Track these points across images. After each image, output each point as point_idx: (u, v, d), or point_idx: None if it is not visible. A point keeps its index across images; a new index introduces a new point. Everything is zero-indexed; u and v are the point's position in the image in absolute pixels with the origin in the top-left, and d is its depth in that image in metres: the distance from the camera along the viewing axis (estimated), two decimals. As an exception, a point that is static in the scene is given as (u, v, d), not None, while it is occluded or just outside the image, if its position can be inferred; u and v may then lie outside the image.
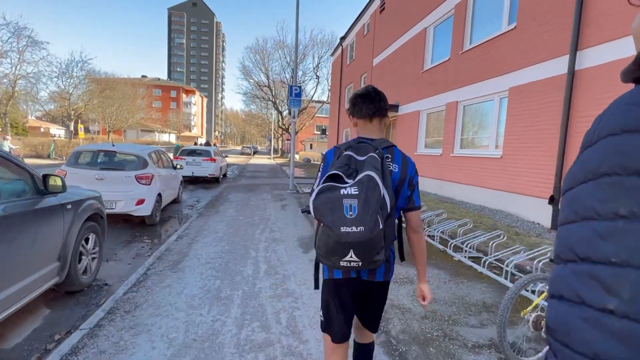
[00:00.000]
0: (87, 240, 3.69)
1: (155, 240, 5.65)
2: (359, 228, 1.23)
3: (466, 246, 4.60)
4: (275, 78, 33.31)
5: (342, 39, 23.97)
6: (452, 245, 4.82)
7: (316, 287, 1.65)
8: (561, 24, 6.24)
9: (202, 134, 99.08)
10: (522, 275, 3.91)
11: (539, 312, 2.36)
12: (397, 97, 13.76)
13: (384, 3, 15.95)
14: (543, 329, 2.31)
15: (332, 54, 28.53)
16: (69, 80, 30.40)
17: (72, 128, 30.23)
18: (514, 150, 7.38)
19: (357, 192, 1.26)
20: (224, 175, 16.00)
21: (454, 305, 3.18)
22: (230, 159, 27.07)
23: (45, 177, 3.01)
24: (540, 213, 6.62)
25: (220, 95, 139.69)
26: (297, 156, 34.47)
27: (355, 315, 1.69)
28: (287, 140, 51.35)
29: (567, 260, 0.56)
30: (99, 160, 6.58)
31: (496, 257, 4.21)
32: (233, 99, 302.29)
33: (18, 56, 25.31)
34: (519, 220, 6.93)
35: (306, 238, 5.54)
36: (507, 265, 3.76)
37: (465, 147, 9.56)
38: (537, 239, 5.72)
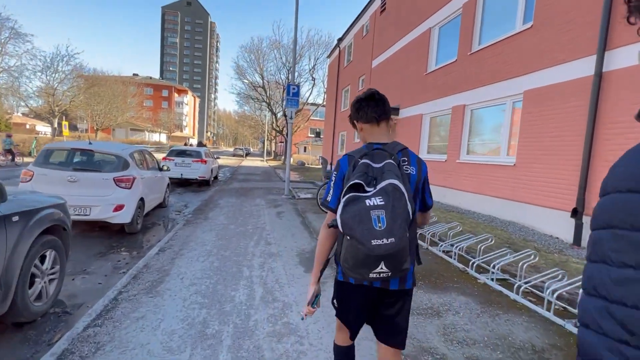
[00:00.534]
0: (43, 258, 3.01)
1: (134, 253, 4.95)
2: (389, 240, 1.21)
3: (493, 267, 4.02)
4: (270, 79, 32.65)
5: (340, 40, 23.48)
6: (475, 264, 4.23)
7: (312, 304, 1.62)
8: (586, 21, 5.76)
9: (193, 135, 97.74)
10: (565, 306, 3.34)
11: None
12: (398, 99, 13.25)
13: (385, 4, 15.48)
14: None
15: (329, 56, 28.03)
16: (53, 75, 29.17)
17: (55, 125, 29.01)
18: (529, 157, 6.87)
19: (383, 203, 1.25)
20: (215, 177, 15.26)
21: (498, 349, 2.57)
22: (222, 161, 26.27)
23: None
24: (560, 226, 6.10)
25: (213, 96, 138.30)
26: (291, 159, 33.81)
27: (379, 344, 1.62)
28: (281, 142, 50.66)
29: (589, 294, 0.64)
30: (73, 160, 5.85)
31: (529, 282, 3.63)
32: (226, 100, 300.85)
33: (0, 48, 24.14)
34: (536, 234, 6.39)
35: (307, 252, 4.90)
36: (548, 294, 3.18)
37: (472, 153, 9.04)
38: (560, 256, 5.18)
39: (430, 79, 10.98)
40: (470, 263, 4.29)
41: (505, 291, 3.64)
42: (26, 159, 17.58)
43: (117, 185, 5.53)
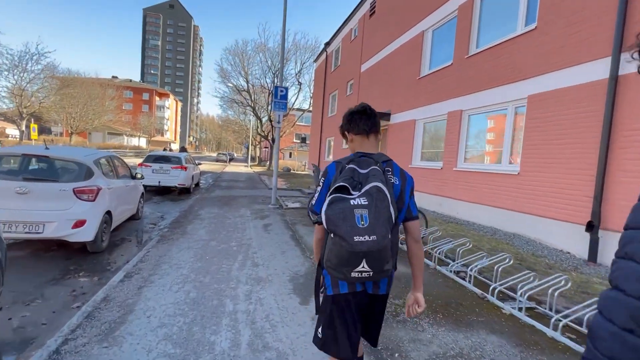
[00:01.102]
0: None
1: (95, 278, 4.16)
2: (371, 237, 1.26)
3: (518, 293, 3.47)
4: (255, 83, 31.86)
5: (327, 44, 23.07)
6: (496, 290, 3.68)
7: (317, 312, 1.62)
8: (600, 22, 5.40)
9: (175, 139, 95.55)
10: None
11: None
12: (389, 104, 12.81)
13: (375, 7, 15.13)
14: None
15: (316, 60, 27.60)
16: (22, 75, 27.39)
17: (23, 128, 27.22)
18: (535, 166, 6.46)
19: (367, 203, 1.30)
20: (197, 184, 14.39)
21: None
22: (204, 167, 25.23)
23: None
24: (571, 240, 5.67)
25: (196, 100, 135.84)
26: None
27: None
28: (265, 148, 49.72)
29: (612, 286, 0.73)
30: (26, 168, 5.02)
31: (567, 315, 3.10)
32: (209, 105, 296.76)
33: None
34: (545, 248, 5.95)
35: (301, 276, 4.24)
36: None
37: (471, 160, 8.62)
38: (579, 275, 4.71)
39: (423, 83, 10.58)
40: (491, 288, 3.73)
41: (539, 325, 3.09)
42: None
43: (77, 197, 4.73)
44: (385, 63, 13.54)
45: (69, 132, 40.91)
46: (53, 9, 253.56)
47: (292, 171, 30.00)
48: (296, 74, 30.37)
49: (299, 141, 45.45)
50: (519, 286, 3.60)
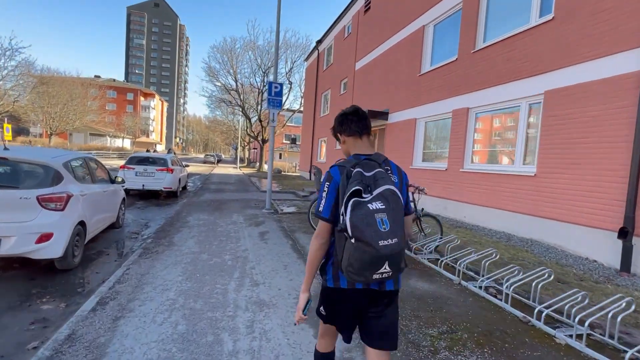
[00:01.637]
0: None
1: (61, 305, 3.45)
2: (393, 240, 1.29)
3: (575, 320, 2.92)
4: (245, 82, 31.03)
5: (318, 42, 22.48)
6: (543, 314, 3.13)
7: (304, 312, 1.64)
8: (630, 9, 4.95)
9: (161, 140, 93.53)
10: None
11: None
12: (386, 103, 12.30)
13: (369, 3, 14.61)
14: None
15: (307, 59, 26.97)
16: (-8, 72, 25.87)
17: (-4, 128, 25.67)
18: (554, 167, 5.99)
19: (384, 207, 1.32)
20: (184, 187, 13.59)
21: None
22: (192, 168, 24.31)
23: None
24: (599, 248, 5.21)
25: (182, 101, 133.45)
26: (265, 166, 32.22)
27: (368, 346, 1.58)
28: (254, 149, 48.77)
29: None
30: (-19, 172, 4.25)
31: (633, 344, 2.56)
32: (196, 105, 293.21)
33: None
34: (569, 256, 5.47)
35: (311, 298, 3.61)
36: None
37: (479, 161, 8.14)
38: (615, 289, 4.23)
39: (425, 80, 10.09)
40: (536, 311, 3.18)
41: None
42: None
43: (42, 206, 4.00)
44: (382, 60, 13.03)
45: (48, 133, 39.18)
46: (27, 2, 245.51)
47: (282, 173, 29.29)
48: (286, 73, 29.74)
49: (289, 142, 44.68)
50: (567, 307, 3.08)
